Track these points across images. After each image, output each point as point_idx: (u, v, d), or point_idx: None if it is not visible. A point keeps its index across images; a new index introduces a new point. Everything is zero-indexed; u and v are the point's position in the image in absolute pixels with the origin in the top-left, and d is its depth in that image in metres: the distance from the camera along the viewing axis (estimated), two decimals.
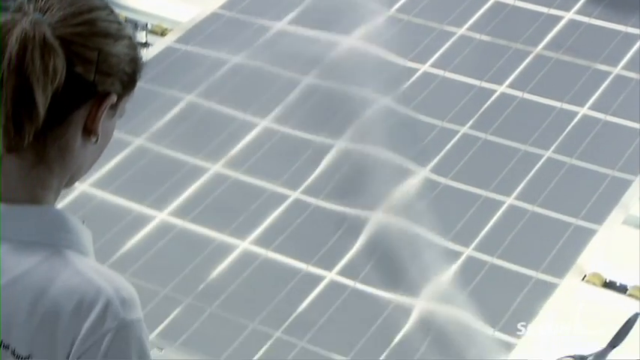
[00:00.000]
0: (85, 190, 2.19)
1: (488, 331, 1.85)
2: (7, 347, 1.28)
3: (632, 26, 2.43)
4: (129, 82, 1.29)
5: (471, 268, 1.98)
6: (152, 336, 1.86)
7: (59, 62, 1.22)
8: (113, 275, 1.28)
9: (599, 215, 2.06)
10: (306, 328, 1.88)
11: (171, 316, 1.91)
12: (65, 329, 1.26)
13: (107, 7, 1.27)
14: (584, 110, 2.29)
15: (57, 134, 1.26)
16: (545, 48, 2.43)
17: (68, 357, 1.26)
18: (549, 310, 1.89)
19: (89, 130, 1.27)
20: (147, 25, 2.58)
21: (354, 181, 2.18)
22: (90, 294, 1.25)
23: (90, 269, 1.27)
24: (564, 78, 2.36)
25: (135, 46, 1.26)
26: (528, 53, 2.42)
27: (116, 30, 1.27)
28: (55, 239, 1.29)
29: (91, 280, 1.26)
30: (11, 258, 1.28)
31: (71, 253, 1.28)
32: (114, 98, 1.26)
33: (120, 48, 1.27)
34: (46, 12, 1.23)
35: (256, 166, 2.22)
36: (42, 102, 1.22)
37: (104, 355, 1.25)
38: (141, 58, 1.27)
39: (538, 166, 2.17)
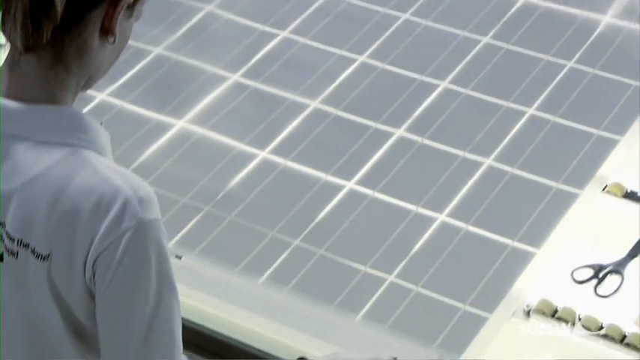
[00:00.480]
0: (103, 99, 2.18)
1: (508, 241, 1.84)
2: (26, 246, 1.28)
3: None
4: None
5: (490, 178, 1.96)
6: (171, 244, 1.86)
7: None
8: (131, 175, 1.27)
9: (621, 126, 2.03)
10: (324, 236, 1.87)
11: (190, 225, 1.91)
12: (84, 228, 1.26)
13: None
14: (606, 18, 2.25)
15: (75, 33, 1.25)
16: None
17: (86, 256, 1.26)
18: (569, 220, 1.88)
19: (106, 30, 1.26)
20: None
21: (375, 95, 2.15)
22: (108, 193, 1.25)
23: (108, 169, 1.27)
24: None
25: None
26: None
27: None
28: (73, 139, 1.29)
29: (109, 180, 1.26)
30: (30, 157, 1.28)
31: (89, 153, 1.28)
32: None
33: None
34: None
35: (275, 76, 2.20)
36: None
37: (123, 254, 1.25)
38: None
39: (560, 76, 2.13)
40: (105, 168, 1.28)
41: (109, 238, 1.25)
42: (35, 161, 1.28)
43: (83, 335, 1.35)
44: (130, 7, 1.28)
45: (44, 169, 1.27)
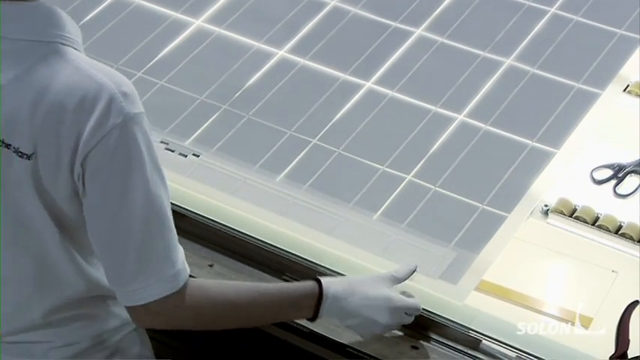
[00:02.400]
0: None
1: (527, 141, 1.81)
2: (9, 146, 1.27)
3: None
4: None
5: (511, 78, 1.92)
6: (188, 142, 1.84)
7: None
8: (111, 71, 1.28)
9: None
10: (342, 135, 1.84)
11: (208, 122, 1.88)
12: (69, 126, 1.25)
13: None
14: None
15: None
16: None
17: (73, 154, 1.25)
18: (589, 120, 1.84)
19: None
20: None
21: None
22: (92, 90, 1.25)
23: (89, 65, 1.27)
24: None
25: None
26: None
27: None
28: (51, 36, 1.28)
29: (91, 77, 1.25)
30: (10, 57, 1.27)
31: (67, 50, 1.28)
32: None
33: None
34: None
35: None
36: None
37: (114, 149, 1.25)
38: None
39: None
40: (86, 64, 1.27)
41: (98, 135, 1.25)
42: (16, 61, 1.27)
43: (71, 233, 1.36)
44: None
45: (25, 69, 1.26)
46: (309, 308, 1.45)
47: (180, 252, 1.36)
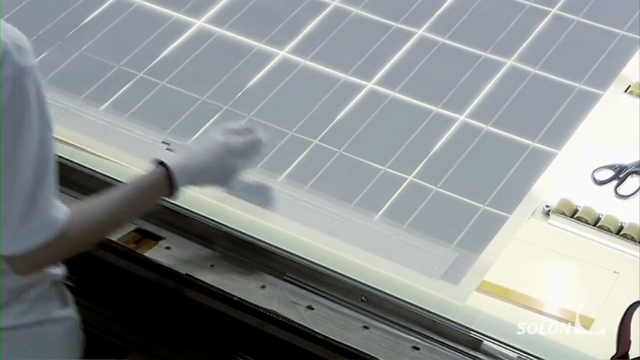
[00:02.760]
0: None
1: (529, 141, 1.81)
2: None
3: None
4: None
5: (512, 78, 1.92)
6: (189, 142, 1.84)
7: None
8: (7, 25, 1.32)
9: None
10: (344, 136, 1.84)
11: (209, 123, 1.88)
12: None
13: None
14: None
15: None
16: None
17: None
18: (591, 121, 1.84)
19: None
20: None
21: None
22: None
23: None
24: None
25: None
26: None
27: None
28: None
29: None
30: None
31: None
32: None
33: None
34: None
35: None
36: None
37: (8, 101, 1.30)
38: None
39: None
40: None
41: None
42: None
43: None
44: None
45: None
46: (165, 185, 1.52)
47: (57, 198, 1.41)
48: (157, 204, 1.56)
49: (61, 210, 1.40)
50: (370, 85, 1.93)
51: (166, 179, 1.52)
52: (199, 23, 2.07)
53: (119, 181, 1.77)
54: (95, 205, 1.47)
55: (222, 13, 2.09)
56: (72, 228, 1.41)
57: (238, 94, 1.92)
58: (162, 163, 1.52)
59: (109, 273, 1.77)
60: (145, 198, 1.52)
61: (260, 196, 1.69)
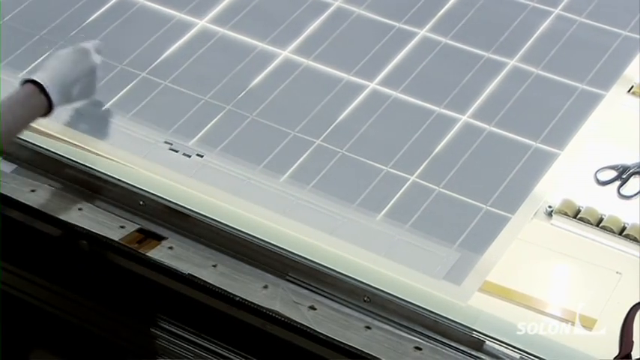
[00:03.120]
0: None
1: (531, 142, 1.81)
2: None
3: None
4: None
5: (514, 79, 1.92)
6: (192, 142, 1.84)
7: None
8: None
9: None
10: (346, 136, 1.84)
11: (212, 123, 1.88)
12: None
13: None
14: None
15: None
16: None
17: None
18: (593, 121, 1.84)
19: None
20: None
21: None
22: None
23: None
24: None
25: None
26: None
27: None
28: None
29: None
30: None
31: None
32: None
33: None
34: None
35: None
36: None
37: None
38: None
39: None
40: None
41: None
42: None
43: None
44: None
45: None
46: (41, 100, 1.67)
47: None
48: (33, 120, 1.69)
49: None
50: (373, 85, 1.93)
51: (41, 93, 1.67)
52: (202, 23, 2.07)
53: (121, 180, 1.78)
54: None
55: (225, 13, 2.09)
56: None
57: (241, 94, 1.92)
58: (32, 81, 1.66)
59: (110, 272, 1.77)
60: (22, 115, 1.66)
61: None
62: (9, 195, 1.81)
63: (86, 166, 1.81)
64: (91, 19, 2.09)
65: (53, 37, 2.06)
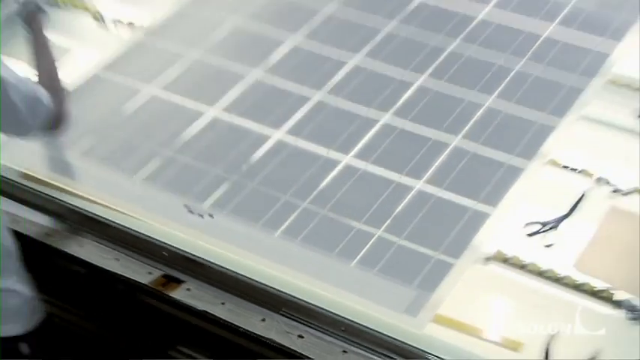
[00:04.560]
0: (152, 93, 2.15)
1: (471, 202, 1.84)
2: None
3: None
4: None
5: (457, 155, 1.95)
6: (207, 205, 1.86)
7: None
8: None
9: (561, 110, 2.02)
10: (326, 200, 1.88)
11: (221, 190, 1.90)
12: None
13: None
14: None
15: None
16: None
17: None
18: (520, 186, 1.87)
19: None
20: None
21: (364, 89, 2.12)
22: None
23: None
24: None
25: None
26: None
27: None
28: None
29: None
30: None
31: None
32: None
33: None
34: None
35: (287, 74, 2.17)
36: None
37: None
38: None
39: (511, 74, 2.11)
40: None
41: None
42: None
43: None
44: None
45: None
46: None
47: None
48: None
49: None
50: (347, 159, 1.96)
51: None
52: (213, 111, 2.09)
53: (148, 236, 1.78)
54: None
55: (232, 105, 2.11)
56: None
57: (243, 168, 1.94)
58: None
59: (140, 309, 1.77)
60: None
61: None
62: (61, 248, 1.81)
63: (119, 223, 1.84)
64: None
65: None
